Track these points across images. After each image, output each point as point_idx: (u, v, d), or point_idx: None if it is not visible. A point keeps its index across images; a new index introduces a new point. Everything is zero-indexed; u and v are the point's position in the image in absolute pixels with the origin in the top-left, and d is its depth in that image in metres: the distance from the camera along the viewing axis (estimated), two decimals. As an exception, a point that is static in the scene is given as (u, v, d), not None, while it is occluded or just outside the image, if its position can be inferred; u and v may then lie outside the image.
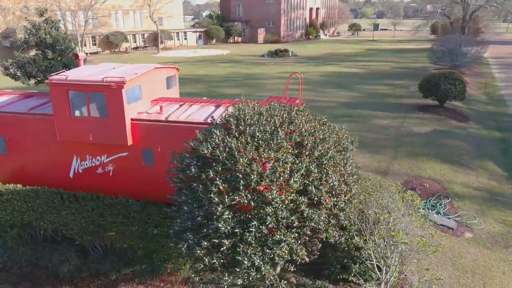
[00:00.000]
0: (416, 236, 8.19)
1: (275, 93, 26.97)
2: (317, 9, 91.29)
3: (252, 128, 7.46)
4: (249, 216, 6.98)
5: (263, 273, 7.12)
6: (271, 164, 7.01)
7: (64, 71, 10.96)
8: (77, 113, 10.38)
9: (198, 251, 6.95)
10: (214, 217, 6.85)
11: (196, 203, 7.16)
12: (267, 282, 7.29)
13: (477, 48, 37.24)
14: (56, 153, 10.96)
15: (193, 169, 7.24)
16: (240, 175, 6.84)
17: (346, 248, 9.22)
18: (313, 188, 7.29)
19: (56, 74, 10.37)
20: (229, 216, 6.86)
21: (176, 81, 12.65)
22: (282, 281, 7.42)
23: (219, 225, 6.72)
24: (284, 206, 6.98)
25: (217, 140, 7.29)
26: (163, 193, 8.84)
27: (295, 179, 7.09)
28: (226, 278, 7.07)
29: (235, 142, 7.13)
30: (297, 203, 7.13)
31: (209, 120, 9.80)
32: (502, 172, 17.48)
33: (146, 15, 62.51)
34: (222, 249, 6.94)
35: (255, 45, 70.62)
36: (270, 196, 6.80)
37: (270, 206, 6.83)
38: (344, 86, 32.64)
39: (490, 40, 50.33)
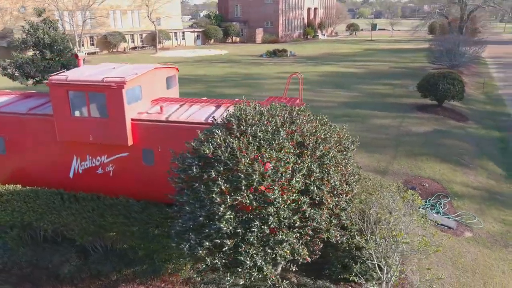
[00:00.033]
0: (417, 235, 8.20)
1: (274, 93, 27.00)
2: (315, 9, 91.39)
3: (253, 128, 7.46)
4: (251, 216, 6.97)
5: (265, 273, 7.12)
6: (272, 164, 7.01)
7: (63, 71, 10.93)
8: (77, 113, 10.36)
9: (200, 251, 6.94)
10: (216, 217, 6.84)
11: (198, 203, 7.15)
12: (269, 282, 7.29)
13: (475, 48, 37.33)
14: (56, 153, 10.93)
15: (194, 169, 7.23)
16: (242, 175, 6.84)
17: (347, 248, 9.22)
18: (315, 188, 7.29)
19: (56, 74, 10.35)
20: (231, 216, 6.86)
21: (176, 81, 12.64)
22: (284, 281, 7.42)
23: (221, 225, 6.71)
24: (286, 206, 6.98)
25: (218, 140, 7.29)
26: (164, 193, 8.84)
27: (297, 179, 7.09)
28: (228, 278, 7.06)
29: (236, 142, 7.13)
30: (299, 203, 7.13)
31: (209, 120, 9.80)
32: (501, 171, 17.53)
33: (144, 15, 62.44)
34: (224, 249, 6.94)
35: (253, 45, 70.64)
36: (272, 196, 6.80)
37: (272, 206, 6.83)
38: (343, 86, 32.69)
39: (488, 40, 50.44)
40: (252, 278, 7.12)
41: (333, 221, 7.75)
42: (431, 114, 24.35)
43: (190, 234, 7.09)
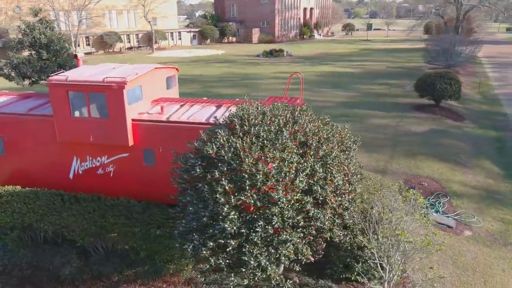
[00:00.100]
0: (419, 235, 8.22)
1: (271, 93, 26.99)
2: (311, 9, 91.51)
3: (256, 128, 7.46)
4: (255, 216, 6.97)
5: (268, 273, 7.11)
6: (276, 164, 7.01)
7: (63, 72, 10.87)
8: (77, 113, 10.31)
9: (204, 252, 6.93)
10: (220, 217, 6.83)
11: (201, 203, 7.14)
12: (273, 282, 7.28)
13: (471, 47, 37.52)
14: (55, 154, 10.87)
15: (198, 170, 7.22)
16: (246, 175, 6.83)
17: (349, 248, 9.25)
18: (318, 188, 7.30)
19: (55, 74, 10.29)
20: (235, 216, 6.85)
21: (176, 81, 12.62)
22: (288, 281, 7.42)
23: (226, 225, 6.70)
24: (290, 206, 6.98)
25: (221, 140, 7.28)
26: (165, 194, 8.82)
27: (301, 179, 7.09)
28: (233, 279, 7.05)
29: (240, 142, 7.13)
30: (303, 202, 7.14)
31: (211, 120, 9.79)
32: (498, 170, 17.63)
33: (140, 15, 62.24)
34: (228, 249, 6.93)
35: (249, 45, 70.60)
36: (276, 196, 6.80)
37: (276, 206, 6.83)
38: (340, 85, 32.75)
39: (483, 40, 50.74)
40: (256, 278, 7.12)
41: (336, 220, 7.77)
42: (428, 113, 24.45)
43: (194, 234, 7.08)
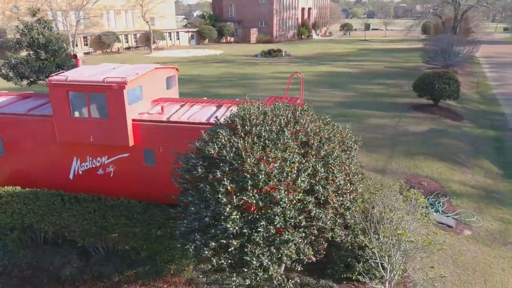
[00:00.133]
0: (420, 234, 8.24)
1: (269, 93, 27.00)
2: (309, 9, 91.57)
3: (258, 128, 7.45)
4: (257, 216, 6.96)
5: (270, 273, 7.11)
6: (278, 164, 7.01)
7: (63, 72, 10.84)
8: (77, 114, 10.29)
9: (206, 252, 6.92)
10: (222, 217, 6.83)
11: (203, 203, 7.13)
12: (275, 282, 7.28)
13: (469, 47, 37.62)
14: (55, 154, 10.84)
15: (199, 170, 7.21)
16: (248, 175, 6.83)
17: (349, 247, 9.25)
18: (320, 188, 7.30)
19: (55, 74, 10.26)
20: (237, 217, 6.84)
21: (176, 82, 12.60)
22: (290, 280, 7.42)
23: (228, 225, 6.69)
24: (292, 205, 6.98)
25: (223, 140, 7.27)
26: (165, 194, 8.80)
27: (302, 179, 7.09)
28: (235, 279, 7.04)
29: (241, 142, 7.12)
30: (305, 202, 7.14)
31: (212, 120, 9.78)
32: (497, 170, 17.68)
33: (138, 15, 62.15)
34: (230, 249, 6.92)
35: (247, 45, 70.60)
36: (278, 196, 6.79)
37: (278, 206, 6.83)
38: (338, 85, 32.78)
39: (481, 39, 50.87)
40: (258, 278, 7.11)
41: (338, 220, 7.77)
42: (427, 113, 24.50)
43: (196, 234, 7.07)
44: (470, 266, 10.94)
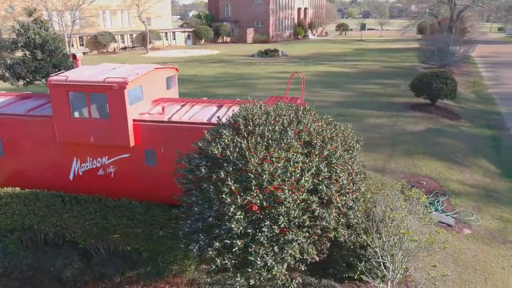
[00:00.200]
0: (423, 233, 8.26)
1: (267, 92, 27.00)
2: (305, 9, 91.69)
3: (261, 128, 7.45)
4: (261, 216, 6.95)
5: (274, 273, 7.10)
6: (281, 164, 7.01)
7: (63, 72, 10.78)
8: (77, 114, 10.24)
9: (210, 252, 6.90)
10: (226, 217, 6.81)
11: (206, 203, 7.11)
12: (278, 282, 7.28)
13: (465, 47, 37.82)
14: (55, 155, 10.78)
15: (203, 170, 7.19)
16: (252, 175, 6.82)
17: (351, 247, 9.26)
18: (324, 187, 7.30)
19: (55, 75, 10.20)
20: (241, 217, 6.83)
21: (176, 82, 12.57)
22: (294, 280, 7.42)
23: (232, 225, 6.68)
24: (296, 205, 6.98)
25: (226, 140, 7.26)
26: (167, 194, 8.77)
27: (306, 179, 7.09)
28: (239, 279, 7.03)
29: (245, 142, 7.11)
30: (308, 202, 7.13)
31: (213, 121, 9.76)
32: (495, 169, 17.77)
33: (134, 15, 61.95)
34: (234, 249, 6.90)
35: (244, 45, 70.57)
36: (283, 196, 6.79)
37: (283, 206, 6.82)
38: (336, 85, 32.83)
39: (477, 39, 51.19)
40: (262, 278, 7.11)
41: (341, 220, 7.78)
42: (424, 113, 24.60)
43: (200, 235, 7.05)
44: (470, 264, 10.99)
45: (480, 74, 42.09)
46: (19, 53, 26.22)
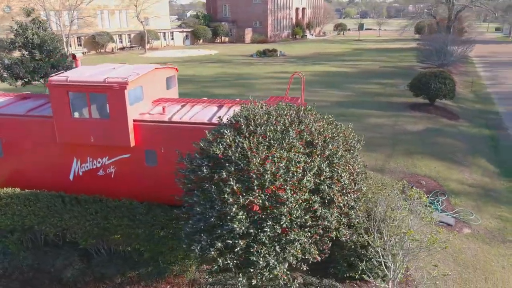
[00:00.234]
0: (424, 233, 8.28)
1: (265, 92, 27.01)
2: (303, 9, 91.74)
3: (262, 128, 7.44)
4: (263, 216, 6.95)
5: (276, 273, 7.10)
6: (283, 164, 7.00)
7: (63, 72, 10.75)
8: (77, 114, 10.21)
9: (213, 252, 6.89)
10: (228, 217, 6.80)
11: (208, 204, 7.10)
12: (280, 282, 7.27)
13: (464, 47, 37.92)
14: (55, 155, 10.74)
15: (205, 170, 7.18)
16: (254, 175, 6.81)
17: (352, 246, 9.27)
18: (326, 187, 7.30)
19: (55, 75, 10.17)
20: (243, 217, 6.82)
21: (176, 82, 12.56)
22: (296, 280, 7.41)
23: (234, 225, 6.67)
24: (298, 205, 6.97)
25: (228, 140, 7.25)
26: (167, 195, 8.74)
27: (308, 179, 7.08)
28: (241, 279, 7.02)
29: (247, 142, 7.10)
30: (310, 202, 7.13)
31: (213, 121, 9.75)
32: (493, 168, 17.83)
33: (132, 15, 61.86)
34: (236, 249, 6.89)
35: (242, 45, 70.57)
36: (285, 196, 6.78)
37: (285, 206, 6.81)
38: (335, 85, 32.86)
39: (475, 39, 51.32)
40: (264, 278, 7.10)
41: (343, 219, 7.78)
42: (423, 112, 24.66)
43: (202, 235, 7.04)
44: (470, 264, 11.02)
45: (478, 74, 42.22)
46: (16, 53, 26.13)
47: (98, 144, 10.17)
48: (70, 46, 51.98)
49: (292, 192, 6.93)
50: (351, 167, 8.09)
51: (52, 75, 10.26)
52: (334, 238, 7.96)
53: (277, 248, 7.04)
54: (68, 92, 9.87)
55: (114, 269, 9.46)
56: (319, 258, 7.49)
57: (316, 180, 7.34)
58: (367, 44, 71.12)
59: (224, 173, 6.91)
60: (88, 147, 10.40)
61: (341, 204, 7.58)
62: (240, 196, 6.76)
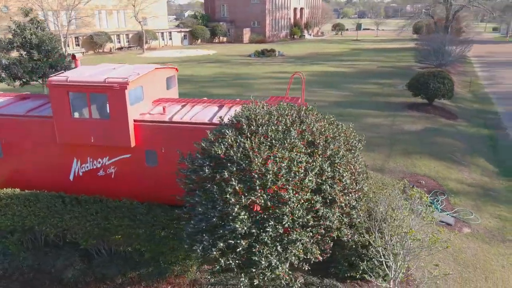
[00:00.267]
0: (425, 232, 8.29)
1: (264, 92, 27.02)
2: (301, 9, 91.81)
3: (264, 128, 7.44)
4: (265, 216, 6.95)
5: (277, 273, 7.10)
6: (285, 164, 7.01)
7: (62, 72, 10.73)
8: (77, 114, 10.19)
9: (214, 253, 6.89)
10: (230, 217, 6.80)
11: (210, 204, 7.10)
12: (282, 281, 7.28)
13: (461, 47, 38.02)
14: (55, 156, 10.72)
15: (206, 170, 7.18)
16: (256, 175, 6.81)
17: (353, 246, 9.28)
18: (327, 187, 7.31)
19: (55, 75, 10.15)
20: (245, 217, 6.82)
21: (176, 82, 12.55)
22: (298, 280, 7.42)
23: (236, 225, 6.67)
24: (300, 205, 6.98)
25: (230, 140, 7.25)
26: (168, 195, 8.73)
27: (310, 178, 7.09)
28: (242, 279, 7.02)
29: (248, 142, 7.10)
30: (312, 202, 7.14)
31: (214, 121, 9.75)
32: (492, 168, 17.88)
33: (130, 15, 61.74)
34: (238, 249, 6.89)
35: (240, 45, 70.56)
36: (287, 196, 6.79)
37: (287, 206, 6.82)
38: (333, 85, 32.89)
39: (473, 39, 51.47)
40: (266, 278, 7.10)
41: (344, 219, 7.79)
42: (422, 112, 24.70)
43: (203, 235, 7.03)
44: (470, 263, 11.04)
45: (476, 74, 42.33)
46: (14, 54, 26.04)
47: (98, 144, 10.16)
48: (68, 46, 51.84)
49: (294, 192, 6.93)
50: (352, 167, 8.10)
51: (52, 75, 10.23)
52: (335, 238, 7.98)
53: (279, 248, 7.04)
54: (68, 92, 9.85)
55: (115, 270, 9.44)
56: (321, 258, 7.50)
57: (318, 180, 7.35)
58: (365, 44, 71.22)
59: (226, 173, 6.91)
60: (88, 147, 10.38)
61: (343, 204, 7.59)
62: (242, 196, 6.76)
